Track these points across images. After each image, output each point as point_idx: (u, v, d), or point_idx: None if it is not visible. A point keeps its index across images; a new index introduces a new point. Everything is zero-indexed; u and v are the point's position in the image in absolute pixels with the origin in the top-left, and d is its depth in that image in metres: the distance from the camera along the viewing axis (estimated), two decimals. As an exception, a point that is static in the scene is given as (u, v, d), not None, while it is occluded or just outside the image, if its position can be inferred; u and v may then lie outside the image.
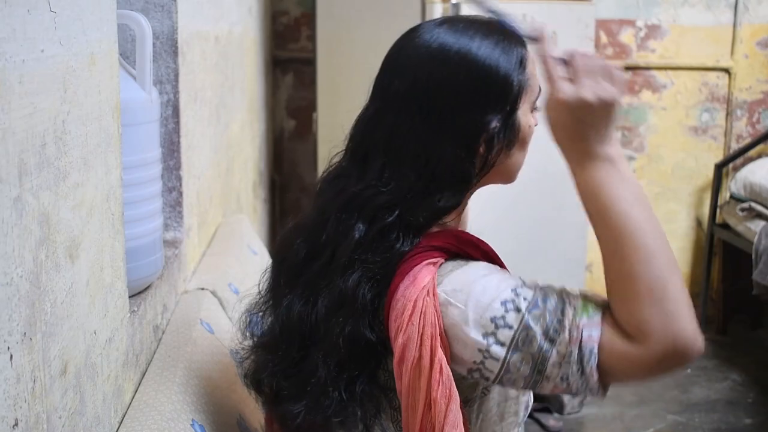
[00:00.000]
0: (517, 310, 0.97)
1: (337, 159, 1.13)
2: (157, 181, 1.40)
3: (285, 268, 1.10)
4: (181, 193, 1.65)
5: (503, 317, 0.97)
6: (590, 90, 0.97)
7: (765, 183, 3.38)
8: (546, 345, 0.95)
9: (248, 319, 1.18)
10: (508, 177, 1.12)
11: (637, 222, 0.95)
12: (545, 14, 2.99)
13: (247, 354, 1.17)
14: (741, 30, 3.71)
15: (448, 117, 1.03)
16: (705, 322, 3.75)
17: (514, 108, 1.06)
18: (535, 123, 1.11)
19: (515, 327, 0.96)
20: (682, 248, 3.91)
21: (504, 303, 0.97)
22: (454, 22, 1.08)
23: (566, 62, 1.00)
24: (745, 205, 3.46)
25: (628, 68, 3.75)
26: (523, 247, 3.09)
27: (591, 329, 0.95)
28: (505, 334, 0.96)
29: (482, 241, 1.09)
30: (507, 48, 1.06)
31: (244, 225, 2.31)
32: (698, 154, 3.82)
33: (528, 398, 1.15)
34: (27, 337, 0.80)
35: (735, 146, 3.78)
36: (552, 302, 0.97)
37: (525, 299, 0.97)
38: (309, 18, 3.56)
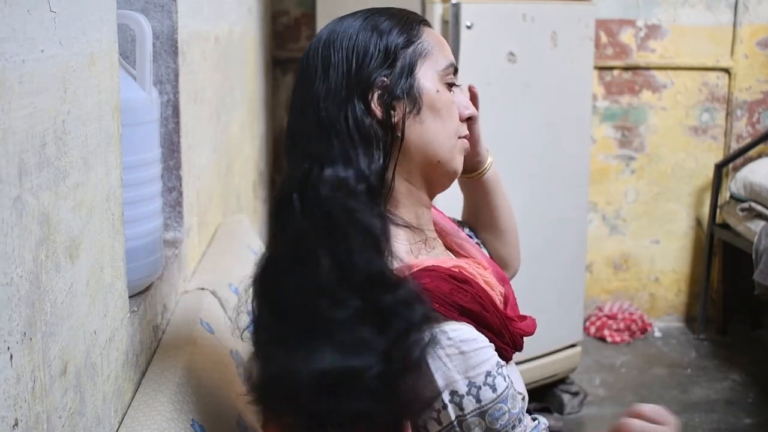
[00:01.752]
0: (478, 400, 0.98)
1: None
2: (157, 181, 1.40)
3: None
4: (181, 193, 1.65)
5: (462, 397, 0.98)
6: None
7: (765, 183, 3.38)
8: None
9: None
10: (431, 150, 1.09)
11: None
12: (545, 14, 2.99)
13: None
14: (741, 30, 3.71)
15: (334, 81, 1.05)
16: (705, 322, 3.76)
17: (409, 69, 1.07)
18: (463, 107, 1.13)
19: (466, 411, 0.98)
20: (682, 248, 3.91)
21: (470, 385, 0.98)
22: (356, 13, 1.13)
23: None
24: (745, 205, 3.46)
25: (628, 68, 3.76)
26: (523, 247, 3.08)
27: None
28: (469, 406, 0.98)
29: (474, 281, 1.08)
30: (396, 19, 1.09)
31: (244, 225, 2.31)
32: (698, 154, 3.83)
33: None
34: (27, 337, 0.80)
35: (735, 146, 3.78)
36: (515, 411, 1.00)
37: (494, 391, 0.99)
38: (309, 18, 3.57)
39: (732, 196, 3.65)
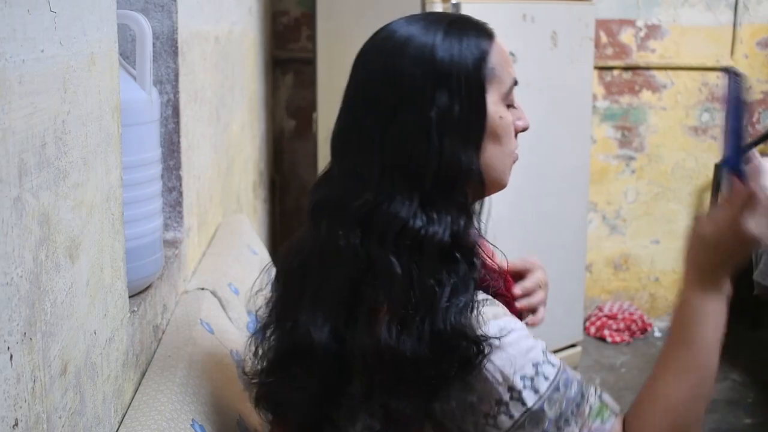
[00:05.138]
0: (536, 390, 0.96)
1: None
2: (157, 181, 1.40)
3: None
4: (181, 193, 1.65)
5: (520, 392, 0.96)
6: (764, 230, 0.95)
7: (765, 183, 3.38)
8: (552, 431, 0.95)
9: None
10: (486, 174, 1.06)
11: (714, 365, 0.97)
12: (545, 14, 2.99)
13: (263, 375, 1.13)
14: (741, 30, 3.71)
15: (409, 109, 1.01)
16: (705, 322, 3.75)
17: (475, 93, 1.03)
18: (517, 120, 1.09)
19: (529, 406, 0.96)
20: (682, 248, 3.90)
21: (523, 378, 0.96)
22: (416, 16, 1.07)
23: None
24: (745, 205, 3.45)
25: (628, 68, 3.75)
26: (524, 247, 3.08)
27: None
28: (518, 409, 0.96)
29: (502, 270, 1.08)
30: (464, 37, 1.04)
31: (244, 225, 2.31)
32: (698, 154, 3.82)
33: None
34: (27, 337, 0.80)
35: (735, 146, 3.78)
36: (572, 392, 0.97)
37: (546, 379, 0.97)
38: (309, 18, 3.56)
39: (732, 196, 3.65)
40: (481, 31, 1.07)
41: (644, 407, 0.97)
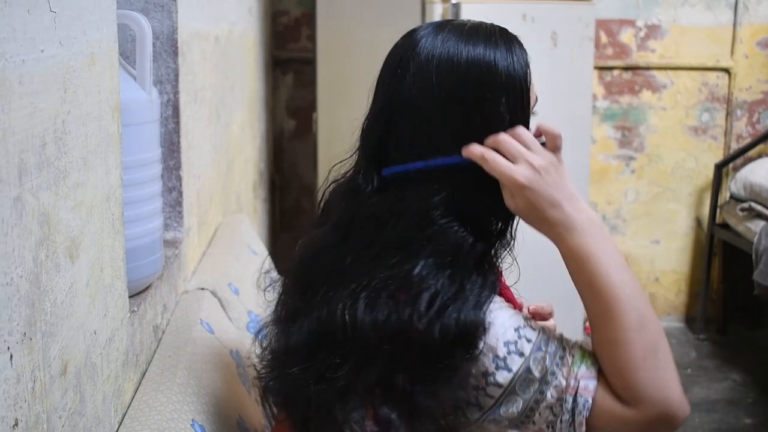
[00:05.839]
0: (521, 354, 0.96)
1: (344, 165, 1.10)
2: (157, 181, 1.40)
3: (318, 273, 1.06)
4: (181, 193, 1.65)
5: (505, 359, 0.97)
6: (537, 159, 0.99)
7: (765, 183, 3.38)
8: (541, 389, 0.96)
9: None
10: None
11: (627, 288, 0.96)
12: (545, 14, 2.99)
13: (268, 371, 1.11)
14: (741, 30, 3.71)
15: (474, 128, 1.02)
16: (705, 322, 3.75)
17: (524, 109, 1.05)
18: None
19: (515, 370, 0.96)
20: (682, 248, 3.91)
21: (507, 344, 0.97)
22: (457, 27, 1.06)
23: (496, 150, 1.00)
24: (745, 205, 3.45)
25: (628, 68, 3.75)
26: (523, 248, 3.07)
27: (588, 381, 0.96)
28: (504, 376, 0.97)
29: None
30: (518, 54, 1.04)
31: (244, 225, 2.31)
32: (698, 154, 3.82)
33: None
34: (27, 337, 0.80)
35: (735, 146, 3.78)
36: (553, 347, 0.97)
37: (528, 341, 0.97)
38: (309, 18, 3.57)
39: (732, 196, 3.65)
40: (520, 44, 1.07)
41: (606, 358, 0.96)
